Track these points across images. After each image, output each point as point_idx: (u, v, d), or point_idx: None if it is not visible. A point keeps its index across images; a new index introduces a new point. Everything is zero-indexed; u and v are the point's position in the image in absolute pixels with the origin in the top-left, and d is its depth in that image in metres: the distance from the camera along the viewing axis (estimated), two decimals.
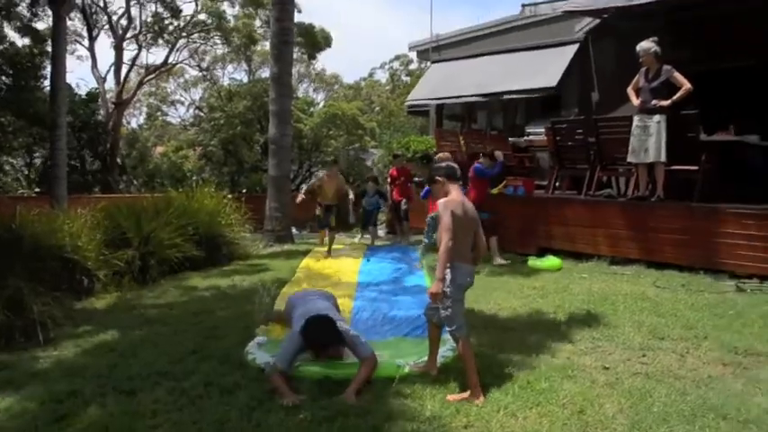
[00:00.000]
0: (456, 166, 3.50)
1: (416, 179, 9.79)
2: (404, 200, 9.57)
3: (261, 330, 4.47)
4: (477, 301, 5.33)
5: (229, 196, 8.89)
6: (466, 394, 3.24)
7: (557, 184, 8.69)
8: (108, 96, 17.28)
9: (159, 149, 20.62)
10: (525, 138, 11.36)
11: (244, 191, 13.63)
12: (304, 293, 4.70)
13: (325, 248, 8.35)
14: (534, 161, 11.27)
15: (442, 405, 3.14)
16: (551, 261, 6.92)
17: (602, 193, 7.90)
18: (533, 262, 7.04)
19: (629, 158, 6.77)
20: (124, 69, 17.74)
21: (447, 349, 3.85)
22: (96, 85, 16.82)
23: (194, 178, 16.50)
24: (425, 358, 3.68)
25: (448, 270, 3.26)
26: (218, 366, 3.72)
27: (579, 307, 5.06)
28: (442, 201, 3.34)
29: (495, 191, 8.84)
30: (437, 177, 3.47)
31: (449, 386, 3.37)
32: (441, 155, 9.07)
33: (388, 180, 10.22)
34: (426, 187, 7.59)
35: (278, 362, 3.45)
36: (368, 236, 9.93)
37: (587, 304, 5.14)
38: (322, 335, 3.60)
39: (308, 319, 3.68)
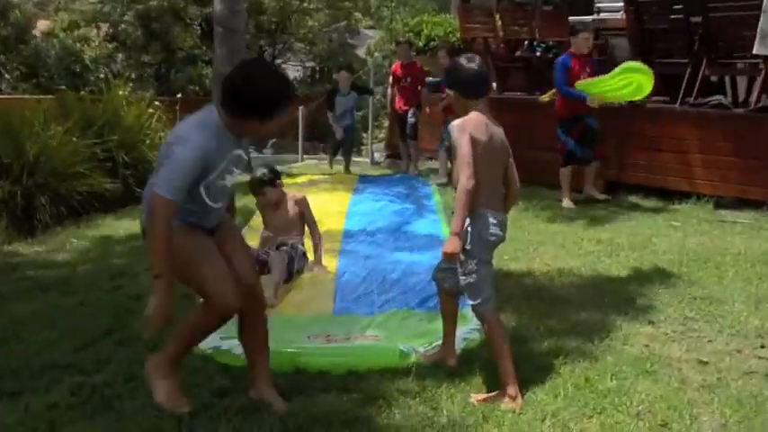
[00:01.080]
0: (483, 70, 3.34)
1: (430, 80, 9.62)
2: (411, 110, 9.41)
3: None
4: (516, 259, 5.37)
5: (156, 102, 8.84)
6: (497, 394, 3.30)
7: None
8: None
9: (43, 25, 19.82)
10: (594, 17, 11.15)
11: (178, 95, 13.43)
12: None
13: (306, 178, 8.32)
14: (606, 52, 11.11)
15: (464, 408, 3.19)
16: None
17: (708, 102, 7.77)
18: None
19: (757, 48, 6.66)
20: None
21: (470, 329, 3.90)
22: None
23: (101, 73, 16.16)
24: (439, 342, 3.73)
25: (468, 221, 3.24)
26: (144, 353, 3.67)
27: (665, 270, 5.06)
28: (456, 122, 3.26)
29: (544, 97, 8.71)
30: (449, 90, 3.41)
31: (472, 382, 3.42)
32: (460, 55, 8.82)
33: (389, 81, 10.04)
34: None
35: None
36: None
37: (678, 266, 5.15)
38: None
39: None
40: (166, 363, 3.23)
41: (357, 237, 6.08)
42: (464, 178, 3.14)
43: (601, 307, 4.42)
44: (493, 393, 3.30)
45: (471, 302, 3.37)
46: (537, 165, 8.41)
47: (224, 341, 3.72)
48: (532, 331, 4.02)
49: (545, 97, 8.87)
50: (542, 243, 5.85)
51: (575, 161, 7.36)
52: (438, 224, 6.58)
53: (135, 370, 3.50)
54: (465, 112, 3.28)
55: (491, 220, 3.27)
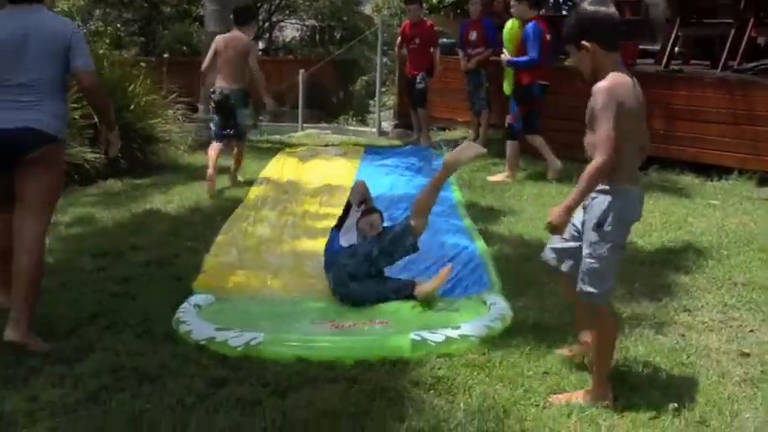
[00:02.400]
0: (617, 14, 3.12)
1: (444, 41, 9.53)
2: (420, 74, 9.31)
3: (201, 282, 4.53)
4: (537, 236, 5.36)
5: (142, 63, 8.78)
6: (580, 393, 3.25)
7: (676, 50, 8.59)
8: None
9: None
10: None
11: (165, 55, 13.37)
12: None
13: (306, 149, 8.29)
14: (640, 11, 11.03)
15: (483, 402, 3.19)
16: None
17: (754, 67, 7.74)
18: None
19: None
20: None
21: (493, 317, 3.95)
22: None
23: (79, 28, 16.14)
24: (451, 330, 3.73)
25: (609, 198, 3.06)
26: (133, 341, 3.78)
27: (703, 253, 5.07)
28: (602, 86, 3.02)
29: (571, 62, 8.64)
30: (582, 42, 3.09)
31: (492, 374, 3.44)
32: None
33: (398, 42, 9.93)
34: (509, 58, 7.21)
35: None
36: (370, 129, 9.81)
37: (717, 249, 5.16)
38: None
39: None
40: None
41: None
42: (602, 156, 2.95)
43: (631, 292, 4.43)
44: (576, 393, 3.28)
45: (589, 289, 3.14)
46: (564, 137, 8.44)
47: (219, 332, 3.75)
48: (556, 317, 4.05)
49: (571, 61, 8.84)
50: None
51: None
52: (451, 196, 6.63)
53: (122, 359, 3.55)
54: (602, 70, 3.06)
55: (634, 196, 3.13)
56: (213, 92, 7.07)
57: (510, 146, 7.33)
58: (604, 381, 3.24)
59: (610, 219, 3.06)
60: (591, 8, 3.07)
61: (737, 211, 6.12)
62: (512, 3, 7.36)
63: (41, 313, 4.08)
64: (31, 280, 3.71)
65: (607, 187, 3.05)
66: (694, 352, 3.69)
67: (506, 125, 7.39)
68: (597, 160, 2.95)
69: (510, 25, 7.33)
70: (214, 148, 6.99)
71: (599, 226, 3.08)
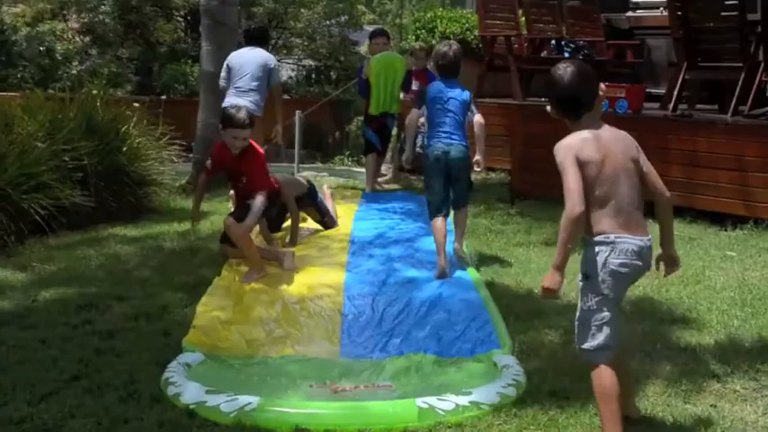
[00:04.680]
0: (582, 76, 3.23)
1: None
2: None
3: (191, 338, 4.32)
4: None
5: (135, 103, 8.68)
6: None
7: (683, 94, 8.45)
8: None
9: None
10: (629, 14, 11.09)
11: (162, 96, 13.25)
12: None
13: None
14: (643, 54, 11.01)
15: None
16: None
17: (766, 112, 7.62)
18: None
19: None
20: None
21: (505, 384, 3.72)
22: None
23: (74, 69, 16.06)
24: (461, 398, 3.51)
25: (594, 249, 3.13)
26: (117, 404, 3.57)
27: (726, 311, 4.85)
28: (557, 144, 3.20)
29: None
30: (548, 108, 3.36)
31: None
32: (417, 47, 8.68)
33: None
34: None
35: None
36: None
37: (740, 306, 4.95)
38: None
39: None
40: None
41: (365, 260, 5.89)
42: (567, 206, 3.07)
43: (652, 355, 4.21)
44: None
45: (578, 345, 3.19)
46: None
47: (210, 396, 3.53)
48: (574, 384, 3.78)
49: None
50: (577, 274, 5.62)
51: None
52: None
53: (106, 426, 3.36)
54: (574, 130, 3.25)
55: (622, 246, 3.10)
56: None
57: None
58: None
59: (597, 269, 3.11)
60: (554, 72, 3.24)
61: (757, 264, 5.91)
62: None
63: (18, 371, 3.91)
64: None
65: (591, 237, 3.15)
66: (729, 426, 3.44)
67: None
68: (565, 211, 3.08)
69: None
70: None
71: (585, 276, 3.16)
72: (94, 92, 8.24)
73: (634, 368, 3.91)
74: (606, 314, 3.12)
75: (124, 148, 7.79)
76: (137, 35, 17.29)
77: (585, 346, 3.15)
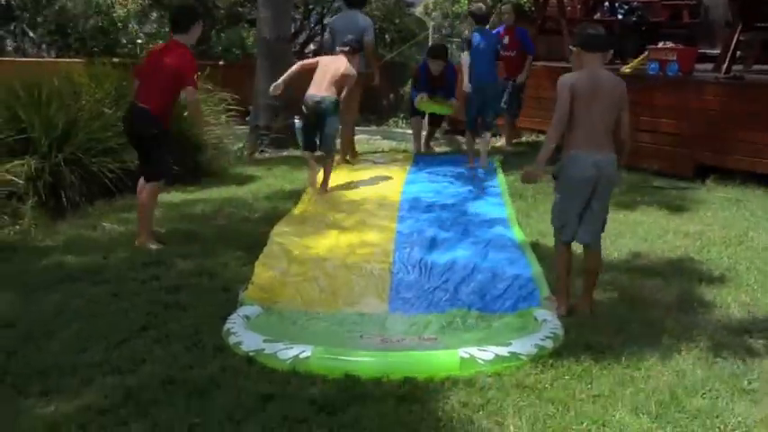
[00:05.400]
0: (599, 31, 4.40)
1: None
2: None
3: (250, 294, 4.58)
4: None
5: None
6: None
7: (738, 55, 8.40)
8: None
9: None
10: None
11: (220, 62, 13.41)
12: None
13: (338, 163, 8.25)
14: (699, 14, 10.85)
15: (534, 425, 3.17)
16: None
17: None
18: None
19: None
20: None
21: (544, 336, 3.92)
22: None
23: (136, 35, 16.32)
24: (499, 348, 3.75)
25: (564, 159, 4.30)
26: (183, 353, 3.84)
27: (764, 270, 4.96)
28: (560, 78, 4.30)
29: (626, 69, 8.56)
30: (571, 46, 4.49)
31: (543, 395, 3.42)
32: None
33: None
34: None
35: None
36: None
37: None
38: None
39: None
40: None
41: (414, 222, 6.08)
42: (555, 117, 4.24)
43: (688, 312, 4.37)
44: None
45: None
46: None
47: (268, 344, 3.78)
48: (610, 338, 3.99)
49: (628, 68, 8.75)
50: (621, 234, 5.79)
51: None
52: (502, 208, 6.59)
53: (173, 372, 3.60)
54: (583, 66, 4.31)
55: (582, 159, 4.22)
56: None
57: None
58: (559, 294, 4.41)
59: (562, 174, 4.32)
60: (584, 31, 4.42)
61: None
62: None
63: (94, 322, 4.21)
64: None
65: (565, 150, 4.30)
66: (757, 378, 3.60)
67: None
68: (552, 120, 4.27)
69: None
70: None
71: (554, 177, 4.42)
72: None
73: (674, 326, 4.13)
74: (565, 206, 4.33)
75: (185, 114, 8.02)
76: None
77: (553, 225, 4.44)
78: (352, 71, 7.06)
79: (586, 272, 4.43)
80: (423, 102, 8.85)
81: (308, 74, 7.21)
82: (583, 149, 4.21)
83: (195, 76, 5.58)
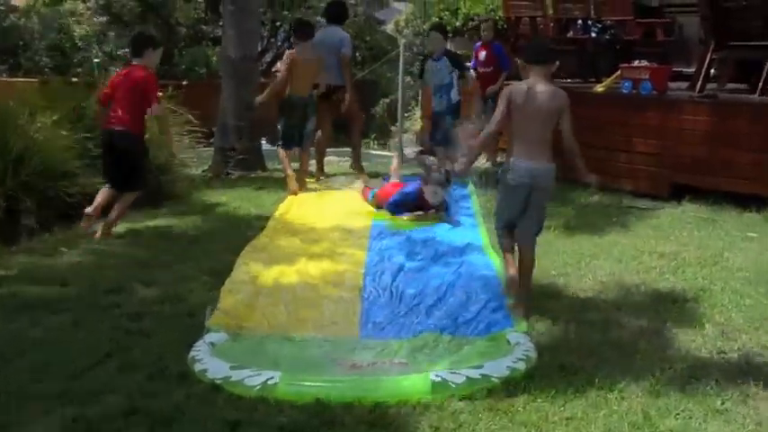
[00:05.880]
0: (542, 44, 4.85)
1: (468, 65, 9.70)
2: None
3: (216, 320, 4.61)
4: (565, 275, 5.48)
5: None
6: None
7: (712, 73, 8.58)
8: None
9: (20, 1, 19.81)
10: None
11: (184, 82, 13.43)
12: None
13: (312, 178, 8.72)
14: (674, 32, 11.04)
15: None
16: None
17: None
18: None
19: None
20: None
21: (516, 358, 3.99)
22: None
23: (94, 55, 16.25)
24: (475, 371, 3.82)
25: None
26: (147, 381, 3.84)
27: (740, 291, 5.08)
28: (505, 88, 4.85)
29: (600, 88, 8.75)
30: (518, 60, 5.05)
31: (515, 419, 3.46)
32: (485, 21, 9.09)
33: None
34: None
35: None
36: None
37: (755, 286, 5.16)
38: None
39: None
40: None
41: (385, 247, 6.12)
42: (489, 125, 4.90)
43: (662, 333, 4.46)
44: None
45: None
46: (589, 164, 8.45)
47: (234, 371, 3.81)
48: (583, 360, 4.07)
49: (601, 87, 8.93)
50: (595, 256, 5.91)
51: None
52: (476, 230, 6.65)
53: (136, 402, 3.60)
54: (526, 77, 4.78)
55: (521, 168, 4.66)
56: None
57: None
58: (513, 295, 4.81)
59: (503, 179, 4.82)
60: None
61: None
62: None
63: (53, 351, 4.18)
64: None
65: (507, 158, 4.80)
66: (729, 398, 3.68)
67: None
68: (486, 127, 5.00)
69: None
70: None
71: (497, 181, 5.04)
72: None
73: (647, 347, 4.23)
74: (502, 208, 4.89)
75: (147, 135, 8.01)
76: (155, 16, 17.36)
77: (495, 226, 5.02)
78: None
79: (521, 272, 4.83)
80: None
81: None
82: (520, 158, 4.66)
83: (157, 94, 6.48)
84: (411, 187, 7.07)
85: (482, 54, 9.68)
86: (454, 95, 8.79)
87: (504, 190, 4.83)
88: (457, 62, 8.89)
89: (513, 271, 4.85)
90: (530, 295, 4.83)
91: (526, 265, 4.83)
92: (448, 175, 6.76)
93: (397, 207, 6.99)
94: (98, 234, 6.39)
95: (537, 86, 4.65)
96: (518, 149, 4.69)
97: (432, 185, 6.76)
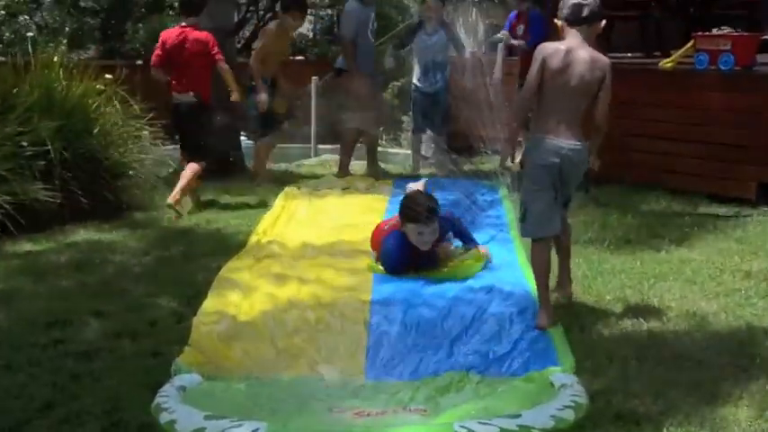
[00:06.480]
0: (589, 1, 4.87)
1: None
2: None
3: (187, 358, 4.66)
4: (624, 300, 5.52)
5: (108, 75, 8.76)
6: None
7: None
8: None
9: None
10: None
11: (137, 62, 13.46)
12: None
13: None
14: None
15: None
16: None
17: None
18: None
19: None
20: None
21: (562, 405, 3.99)
22: None
23: (22, 26, 16.30)
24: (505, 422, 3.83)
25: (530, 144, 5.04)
26: None
27: None
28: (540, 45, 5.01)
29: (667, 63, 8.78)
30: (555, 19, 5.04)
31: None
32: None
33: None
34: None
35: None
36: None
37: None
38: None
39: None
40: None
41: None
42: (523, 90, 5.06)
43: (749, 374, 4.45)
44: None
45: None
46: (654, 161, 8.50)
47: (210, 422, 3.84)
48: (647, 406, 4.10)
49: (669, 62, 8.97)
50: (662, 277, 5.97)
51: None
52: (511, 245, 6.71)
53: None
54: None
55: (549, 145, 4.85)
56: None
57: None
58: (544, 304, 4.99)
59: (528, 161, 5.00)
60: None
61: None
62: None
63: None
64: None
65: (531, 134, 5.08)
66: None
67: None
68: (520, 93, 5.19)
69: None
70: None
71: (521, 165, 5.10)
72: (55, 59, 8.41)
73: (729, 391, 4.24)
74: (532, 197, 4.99)
75: (95, 130, 8.04)
76: None
77: (522, 223, 5.13)
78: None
79: (561, 251, 5.37)
80: None
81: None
82: (548, 134, 4.90)
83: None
84: (390, 238, 5.96)
85: (520, 28, 9.73)
86: (448, 74, 9.50)
87: (532, 175, 5.01)
88: (457, 43, 9.42)
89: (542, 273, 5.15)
90: (569, 279, 5.49)
91: (565, 245, 5.39)
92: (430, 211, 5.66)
93: (395, 270, 5.90)
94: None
95: (577, 51, 4.84)
96: (545, 124, 4.92)
97: (410, 224, 5.69)
